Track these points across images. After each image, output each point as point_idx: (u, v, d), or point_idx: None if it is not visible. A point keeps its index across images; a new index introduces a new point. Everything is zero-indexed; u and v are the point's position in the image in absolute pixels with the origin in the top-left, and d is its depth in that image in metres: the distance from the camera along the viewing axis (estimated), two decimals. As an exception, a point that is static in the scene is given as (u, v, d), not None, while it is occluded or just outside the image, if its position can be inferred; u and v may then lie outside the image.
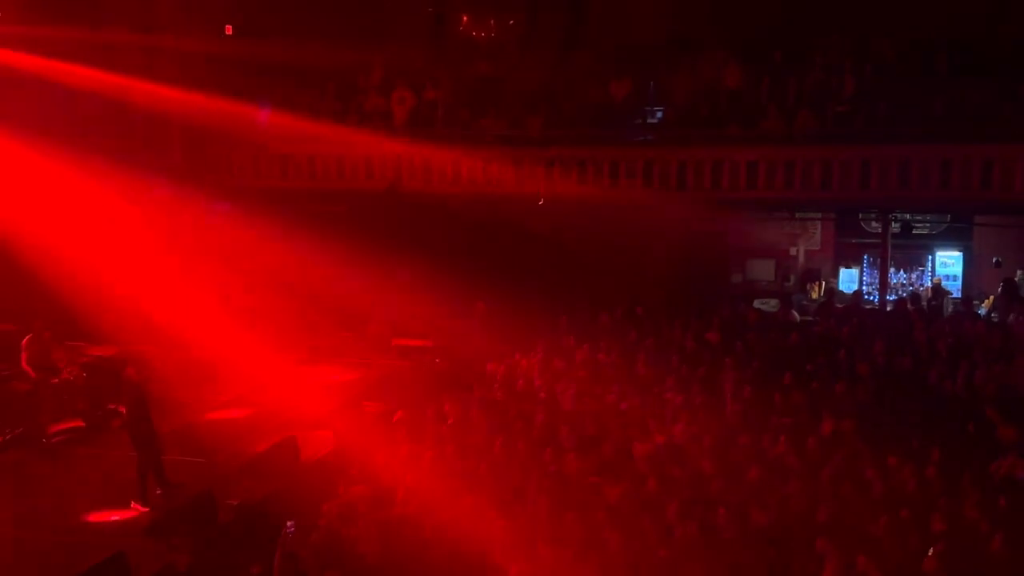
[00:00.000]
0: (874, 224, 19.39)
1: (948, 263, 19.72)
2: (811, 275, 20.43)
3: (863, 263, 20.17)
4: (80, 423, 14.19)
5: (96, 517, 11.74)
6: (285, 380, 16.09)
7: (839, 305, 17.38)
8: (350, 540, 9.79)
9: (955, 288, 19.12)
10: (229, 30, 19.96)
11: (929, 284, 19.48)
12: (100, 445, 13.50)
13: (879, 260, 18.98)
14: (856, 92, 17.24)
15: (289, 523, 9.76)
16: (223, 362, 17.01)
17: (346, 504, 10.56)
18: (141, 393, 12.59)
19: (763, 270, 20.88)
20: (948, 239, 19.76)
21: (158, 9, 19.26)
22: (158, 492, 12.21)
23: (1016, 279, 17.91)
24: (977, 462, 10.44)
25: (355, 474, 11.22)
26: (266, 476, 12.34)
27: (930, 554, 8.42)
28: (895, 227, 18.50)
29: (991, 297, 18.14)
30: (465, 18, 22.85)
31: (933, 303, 17.77)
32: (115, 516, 11.79)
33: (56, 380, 14.35)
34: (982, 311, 17.40)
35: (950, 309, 17.87)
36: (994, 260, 18.78)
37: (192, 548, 9.55)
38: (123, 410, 12.72)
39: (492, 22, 22.60)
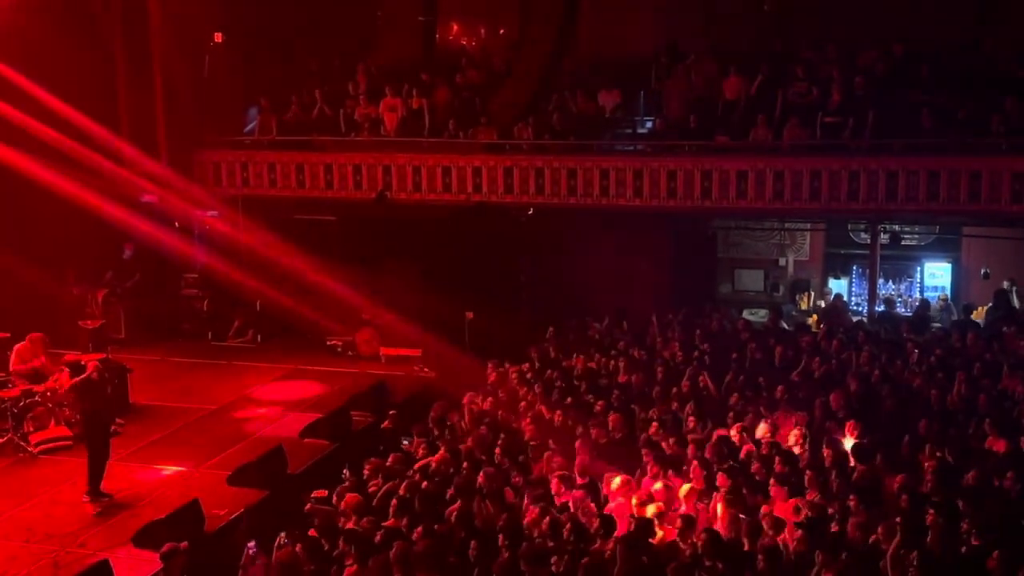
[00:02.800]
0: (863, 235, 19.46)
1: (936, 274, 19.79)
2: (800, 285, 20.50)
3: (852, 274, 20.23)
4: (66, 431, 14.08)
5: (80, 525, 11.65)
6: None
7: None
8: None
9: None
10: (219, 38, 19.92)
11: (916, 295, 19.59)
12: (86, 454, 13.33)
13: (868, 271, 19.04)
14: (843, 103, 17.28)
15: (250, 544, 9.73)
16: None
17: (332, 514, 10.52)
18: (101, 394, 12.59)
19: (752, 280, 20.94)
20: (936, 250, 19.86)
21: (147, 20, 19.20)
22: (85, 498, 12.13)
23: (1007, 290, 17.91)
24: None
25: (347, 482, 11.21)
26: (253, 486, 12.28)
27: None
28: (884, 238, 18.58)
29: (980, 308, 18.21)
30: (455, 27, 22.89)
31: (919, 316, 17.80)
32: (100, 525, 11.69)
33: (43, 388, 14.23)
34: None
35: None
36: (982, 272, 18.86)
37: (185, 556, 9.46)
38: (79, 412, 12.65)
39: (482, 31, 22.64)
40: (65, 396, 13.53)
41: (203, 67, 20.22)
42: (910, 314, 18.27)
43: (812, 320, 18.72)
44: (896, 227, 18.87)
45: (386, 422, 13.58)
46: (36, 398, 14.06)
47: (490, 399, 13.66)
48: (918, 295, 19.60)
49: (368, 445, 13.11)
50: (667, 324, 16.66)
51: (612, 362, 15.02)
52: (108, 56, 19.24)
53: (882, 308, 18.37)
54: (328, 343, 18.53)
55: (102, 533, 11.46)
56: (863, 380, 13.41)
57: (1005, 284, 17.88)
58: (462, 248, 17.68)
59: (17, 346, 14.51)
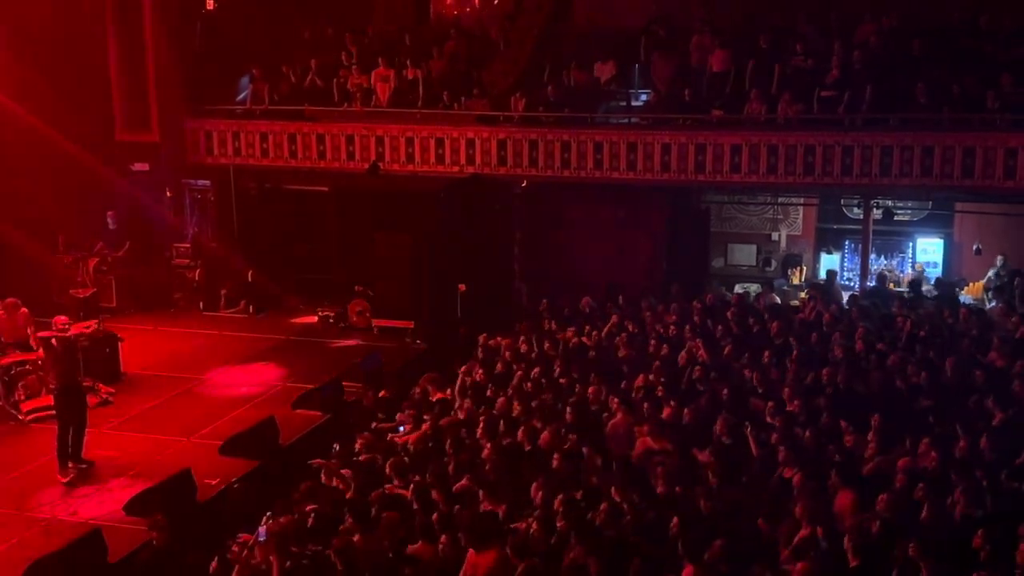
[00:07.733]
0: (856, 210, 19.45)
1: (929, 250, 19.82)
2: (792, 260, 20.51)
3: (844, 249, 20.25)
4: (56, 400, 14.04)
5: (72, 493, 11.66)
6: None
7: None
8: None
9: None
10: (211, 5, 19.75)
11: (908, 271, 19.62)
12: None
13: (860, 246, 19.05)
14: (840, 78, 17.23)
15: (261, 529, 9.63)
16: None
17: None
18: (74, 362, 12.59)
19: (744, 255, 20.95)
20: (929, 226, 19.88)
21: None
22: (70, 465, 12.14)
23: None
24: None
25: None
26: (245, 456, 12.29)
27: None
28: (876, 213, 18.57)
29: (971, 284, 18.28)
30: (449, -4, 22.72)
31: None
32: (91, 493, 11.70)
33: (34, 356, 14.17)
34: (967, 300, 17.45)
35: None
36: (974, 247, 18.90)
37: (170, 526, 9.47)
38: (51, 380, 12.58)
39: (477, 1, 22.47)
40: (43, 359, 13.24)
41: (195, 35, 20.07)
42: (901, 290, 18.29)
43: (805, 295, 18.70)
44: (889, 202, 18.86)
45: (382, 391, 13.58)
46: (27, 366, 14.02)
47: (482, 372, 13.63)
48: (910, 270, 19.62)
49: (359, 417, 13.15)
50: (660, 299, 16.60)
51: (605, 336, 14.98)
52: (99, 23, 19.07)
53: (874, 283, 18.40)
54: (320, 314, 18.50)
55: (93, 501, 11.48)
56: (850, 355, 13.39)
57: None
58: (455, 220, 17.63)
59: None
